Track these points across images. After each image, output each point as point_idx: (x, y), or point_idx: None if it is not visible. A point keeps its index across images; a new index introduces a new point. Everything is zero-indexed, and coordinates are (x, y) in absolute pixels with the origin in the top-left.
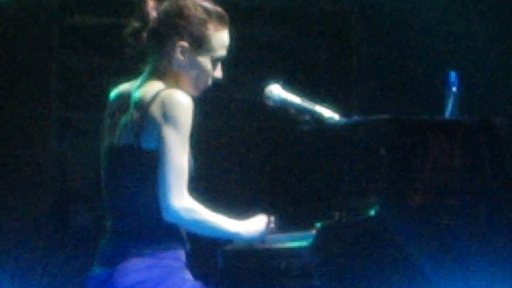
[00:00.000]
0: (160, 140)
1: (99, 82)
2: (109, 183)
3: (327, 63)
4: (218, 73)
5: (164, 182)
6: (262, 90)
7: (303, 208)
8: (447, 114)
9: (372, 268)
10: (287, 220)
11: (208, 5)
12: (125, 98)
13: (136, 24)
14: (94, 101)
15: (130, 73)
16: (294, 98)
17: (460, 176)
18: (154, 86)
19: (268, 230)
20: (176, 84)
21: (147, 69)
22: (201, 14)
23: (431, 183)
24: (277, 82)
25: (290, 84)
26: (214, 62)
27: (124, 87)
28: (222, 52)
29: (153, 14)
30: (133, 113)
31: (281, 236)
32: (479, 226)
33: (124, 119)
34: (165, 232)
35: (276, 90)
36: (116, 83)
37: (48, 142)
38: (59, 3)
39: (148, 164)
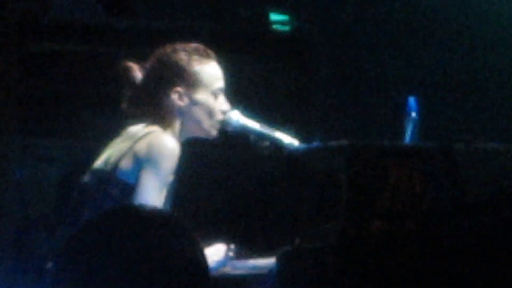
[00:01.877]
0: (138, 178)
1: (61, 109)
2: (73, 205)
3: (285, 88)
4: (224, 105)
5: None
6: None
7: (263, 234)
8: (407, 139)
9: None
10: (247, 246)
11: (187, 46)
12: (124, 132)
13: (128, 93)
14: (56, 128)
15: (93, 100)
16: (253, 124)
17: (420, 201)
18: (151, 127)
19: (226, 259)
20: (181, 130)
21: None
22: (182, 56)
23: (391, 209)
24: (236, 108)
25: (249, 109)
26: (215, 95)
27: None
28: (218, 84)
29: (139, 76)
30: (121, 144)
31: (242, 262)
32: (439, 252)
33: (113, 147)
34: None
35: (235, 116)
36: (78, 109)
37: (8, 168)
38: (17, 29)
39: (118, 193)
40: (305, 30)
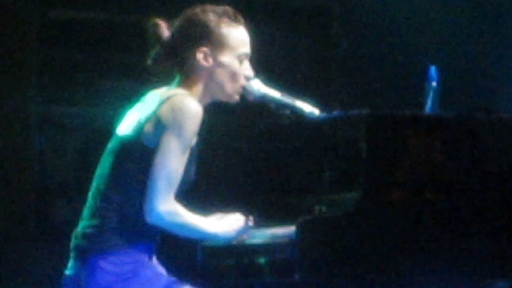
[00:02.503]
0: (160, 142)
1: (80, 77)
2: (100, 169)
3: (307, 58)
4: (248, 70)
5: (153, 185)
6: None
7: (283, 203)
8: (427, 108)
9: (351, 262)
10: (267, 215)
11: (217, 8)
12: (148, 96)
13: (154, 50)
14: (75, 96)
15: (112, 68)
16: (274, 93)
17: (439, 170)
18: (174, 90)
19: (246, 229)
20: (204, 93)
21: (174, 82)
22: (212, 17)
23: (410, 178)
24: (257, 76)
25: (270, 78)
26: (240, 60)
27: (157, 90)
28: (244, 49)
29: (167, 34)
30: (144, 109)
31: (261, 231)
32: (458, 220)
33: (137, 113)
34: (136, 227)
35: (256, 85)
36: (97, 78)
37: (28, 137)
38: None
39: (141, 159)
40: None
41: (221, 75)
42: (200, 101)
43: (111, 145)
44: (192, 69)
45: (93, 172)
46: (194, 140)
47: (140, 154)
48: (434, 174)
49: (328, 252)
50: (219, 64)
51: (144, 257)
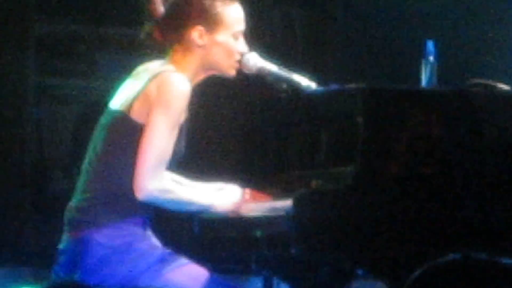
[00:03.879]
0: (148, 119)
1: (78, 49)
2: (92, 143)
3: (304, 31)
4: (242, 46)
5: (143, 163)
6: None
7: (279, 177)
8: (424, 83)
9: (348, 236)
10: (263, 188)
11: None
12: (138, 70)
13: (148, 25)
14: (73, 68)
15: (109, 41)
16: (271, 67)
17: (436, 145)
18: (164, 66)
19: (242, 201)
20: (198, 69)
21: (167, 57)
22: None
23: (407, 153)
24: (254, 50)
25: (267, 52)
26: (235, 37)
27: (149, 63)
28: (239, 26)
29: (161, 9)
30: (134, 84)
31: (258, 204)
32: (456, 196)
33: (127, 86)
34: (128, 200)
35: (253, 59)
36: (95, 50)
37: (25, 108)
38: None
39: (131, 134)
40: None
41: (216, 53)
42: (194, 77)
43: (103, 119)
44: (186, 46)
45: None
46: (183, 117)
47: (129, 130)
48: (431, 148)
49: (325, 226)
50: (214, 43)
51: (138, 230)
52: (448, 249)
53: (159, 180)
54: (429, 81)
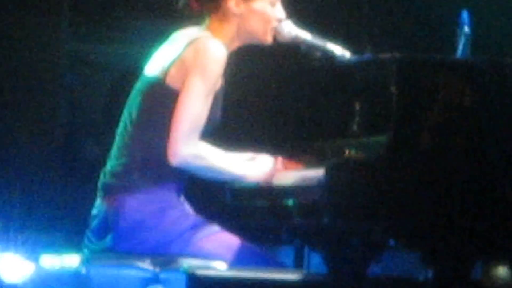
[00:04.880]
0: (184, 84)
1: (112, 15)
2: (127, 109)
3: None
4: (280, 13)
5: (177, 128)
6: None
7: (313, 145)
8: (459, 54)
9: (380, 207)
10: (296, 157)
11: None
12: (175, 36)
13: None
14: (106, 34)
15: (142, 7)
16: (305, 35)
17: (469, 117)
18: (201, 33)
19: (274, 170)
20: (235, 37)
21: (204, 23)
22: None
23: (440, 124)
24: (288, 18)
25: (301, 20)
26: (272, 3)
27: (185, 30)
28: None
29: None
30: (171, 50)
31: (291, 173)
32: (488, 168)
33: (163, 54)
34: (163, 167)
35: (287, 27)
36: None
37: (58, 74)
38: None
39: (167, 101)
40: None
41: (253, 21)
42: (230, 44)
43: (138, 85)
44: (223, 13)
45: (122, 112)
46: (218, 83)
47: (166, 96)
48: (465, 120)
49: (357, 196)
50: (251, 10)
51: (172, 196)
52: (480, 221)
53: (192, 145)
54: (464, 51)
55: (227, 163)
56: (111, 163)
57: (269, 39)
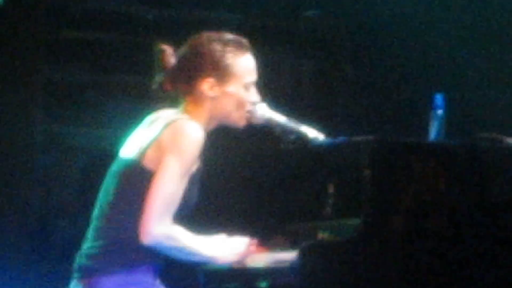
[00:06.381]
0: (160, 165)
1: (86, 97)
2: (103, 191)
3: (313, 83)
4: (254, 96)
5: (150, 207)
6: None
7: (286, 228)
8: (432, 136)
9: None
10: (269, 240)
11: (223, 36)
12: (151, 119)
13: (159, 76)
14: (80, 116)
15: (117, 88)
16: (279, 118)
17: (443, 199)
18: (178, 115)
19: (246, 253)
20: (210, 119)
21: (180, 106)
22: (217, 46)
23: (414, 206)
24: (262, 101)
25: (275, 103)
26: (246, 88)
27: (161, 112)
28: (250, 77)
29: (172, 61)
30: (148, 132)
31: (263, 256)
32: (461, 250)
33: (140, 136)
34: (139, 248)
35: (261, 109)
36: (103, 98)
37: (32, 156)
38: (47, 16)
39: (143, 182)
40: (333, 26)
41: (227, 104)
42: (205, 126)
43: (114, 167)
44: (197, 97)
45: (97, 193)
46: (195, 165)
47: (142, 177)
48: (438, 202)
49: (330, 278)
50: (225, 94)
51: (148, 278)
52: None
53: (164, 225)
54: (438, 134)
55: (199, 244)
56: (87, 245)
57: (243, 123)
